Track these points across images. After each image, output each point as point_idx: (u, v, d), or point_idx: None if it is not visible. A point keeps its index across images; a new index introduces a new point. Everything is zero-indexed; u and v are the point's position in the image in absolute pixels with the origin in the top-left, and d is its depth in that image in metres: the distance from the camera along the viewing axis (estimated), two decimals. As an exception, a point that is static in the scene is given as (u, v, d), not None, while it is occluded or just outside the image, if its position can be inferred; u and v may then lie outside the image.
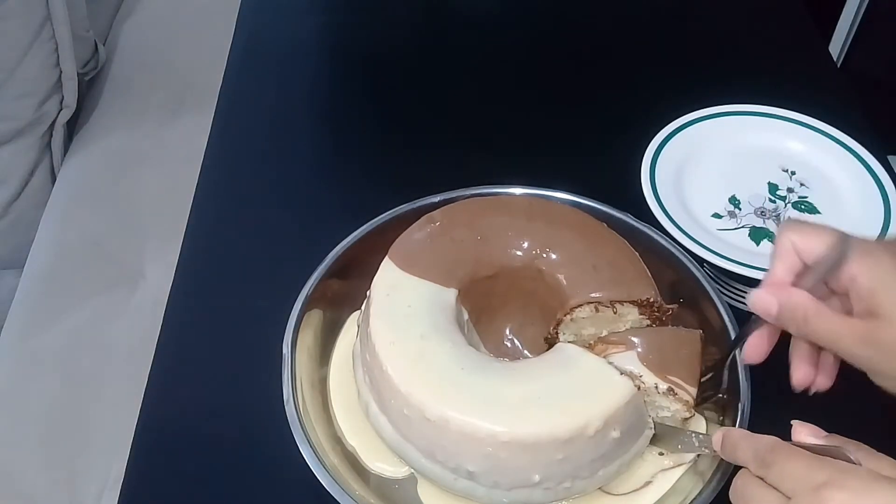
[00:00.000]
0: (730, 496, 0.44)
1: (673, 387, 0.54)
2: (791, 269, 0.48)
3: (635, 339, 0.56)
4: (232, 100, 0.92)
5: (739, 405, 0.55)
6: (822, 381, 0.50)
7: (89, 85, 1.22)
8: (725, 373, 0.56)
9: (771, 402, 0.56)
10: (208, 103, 0.92)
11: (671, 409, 0.55)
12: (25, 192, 1.11)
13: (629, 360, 0.55)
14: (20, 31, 1.03)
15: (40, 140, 1.11)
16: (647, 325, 0.59)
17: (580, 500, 0.55)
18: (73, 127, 1.17)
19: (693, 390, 0.54)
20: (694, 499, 0.51)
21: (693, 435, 0.54)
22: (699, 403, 0.56)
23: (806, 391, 0.50)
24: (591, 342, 0.58)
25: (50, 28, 1.06)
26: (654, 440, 0.56)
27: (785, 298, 0.47)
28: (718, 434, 0.47)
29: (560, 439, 0.50)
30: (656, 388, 0.54)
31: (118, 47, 1.28)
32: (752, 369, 0.55)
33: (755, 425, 0.54)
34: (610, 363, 0.54)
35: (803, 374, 0.49)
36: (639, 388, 0.54)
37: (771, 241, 0.74)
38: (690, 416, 0.55)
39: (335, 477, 0.52)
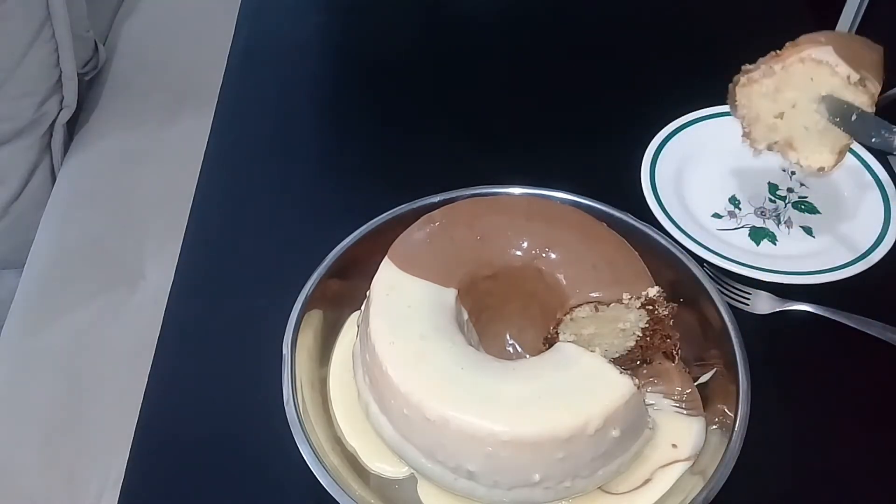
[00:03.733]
0: None
1: (864, 79, 0.57)
2: None
3: (826, 38, 0.60)
4: (232, 100, 0.92)
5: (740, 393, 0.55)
6: None
7: (89, 85, 1.22)
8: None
9: (770, 401, 0.57)
10: (208, 103, 0.92)
11: (856, 103, 0.58)
12: (25, 192, 1.12)
13: (826, 53, 0.59)
14: (20, 31, 1.04)
15: (40, 140, 1.11)
16: (648, 323, 0.59)
17: (580, 500, 0.55)
18: (73, 127, 1.17)
19: (877, 88, 0.58)
20: (694, 498, 0.51)
21: None
22: None
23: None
24: (775, 52, 0.63)
25: (50, 28, 1.06)
26: (847, 127, 0.58)
27: None
28: None
29: (560, 438, 0.50)
30: (848, 78, 0.58)
31: (118, 47, 1.28)
32: (752, 366, 0.55)
33: (754, 419, 0.54)
34: (609, 362, 0.54)
35: None
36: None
37: (771, 242, 0.74)
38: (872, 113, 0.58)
39: (335, 477, 0.52)
